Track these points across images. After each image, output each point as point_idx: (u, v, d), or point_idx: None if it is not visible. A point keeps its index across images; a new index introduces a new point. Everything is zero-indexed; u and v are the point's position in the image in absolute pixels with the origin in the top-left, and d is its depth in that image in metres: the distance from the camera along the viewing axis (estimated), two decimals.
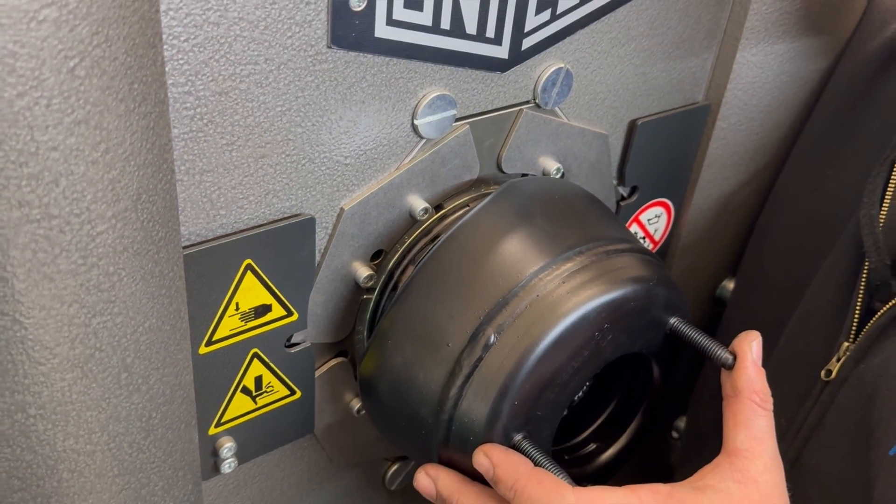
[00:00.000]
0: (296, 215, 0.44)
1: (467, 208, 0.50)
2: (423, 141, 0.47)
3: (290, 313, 0.46)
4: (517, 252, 0.45)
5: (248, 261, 0.43)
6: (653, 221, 0.64)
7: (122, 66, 0.31)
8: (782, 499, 0.42)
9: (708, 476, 0.42)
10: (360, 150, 0.45)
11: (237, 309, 0.44)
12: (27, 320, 0.33)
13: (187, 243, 0.41)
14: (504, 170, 0.52)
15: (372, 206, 0.47)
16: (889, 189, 0.51)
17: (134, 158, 0.34)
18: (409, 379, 0.45)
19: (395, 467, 0.61)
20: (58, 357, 0.35)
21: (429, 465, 0.46)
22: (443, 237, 0.47)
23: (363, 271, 0.48)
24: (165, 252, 0.37)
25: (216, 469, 0.49)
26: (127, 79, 0.32)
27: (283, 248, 0.44)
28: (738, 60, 0.58)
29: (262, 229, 0.43)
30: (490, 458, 0.43)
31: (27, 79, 0.29)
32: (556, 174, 0.54)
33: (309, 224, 0.44)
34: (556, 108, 0.53)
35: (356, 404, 0.53)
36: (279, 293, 0.45)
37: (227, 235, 0.42)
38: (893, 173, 0.51)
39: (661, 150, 0.60)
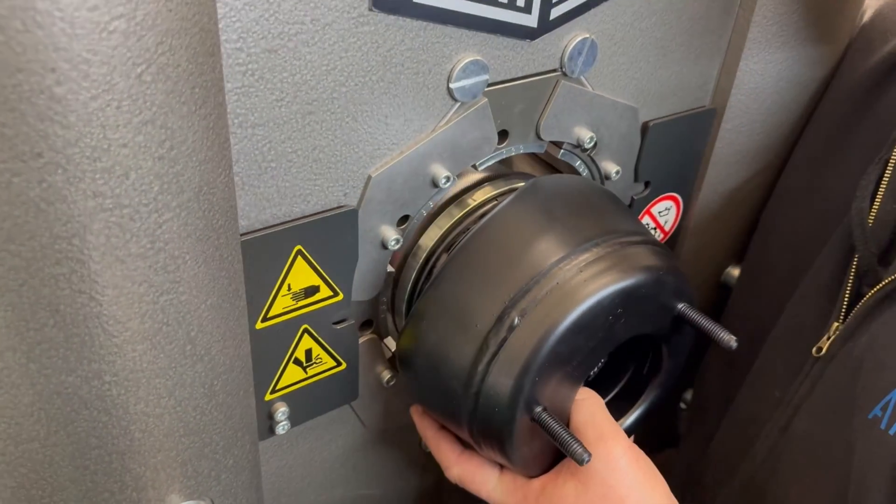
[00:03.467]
0: (340, 207, 0.43)
1: (496, 202, 0.49)
2: (458, 105, 0.46)
3: (335, 294, 0.46)
4: (540, 243, 0.45)
5: (299, 247, 0.43)
6: (663, 214, 0.62)
7: (185, 73, 0.31)
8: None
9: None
10: (399, 110, 0.44)
11: (289, 289, 0.44)
12: (102, 297, 0.33)
13: (244, 231, 0.41)
14: (542, 137, 0.51)
15: (397, 173, 0.45)
16: (881, 186, 0.49)
17: (196, 155, 0.33)
18: (442, 355, 0.45)
19: None
20: (129, 331, 0.35)
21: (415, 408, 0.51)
22: (474, 229, 0.46)
23: (390, 234, 0.46)
24: (225, 238, 0.37)
25: (271, 431, 0.49)
26: (189, 84, 0.31)
27: (329, 235, 0.43)
28: (742, 68, 0.56)
29: (310, 219, 0.42)
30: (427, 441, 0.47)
31: (100, 83, 0.28)
32: (590, 143, 0.52)
33: (351, 215, 0.44)
34: (582, 77, 0.51)
35: (385, 375, 0.53)
36: (326, 276, 0.45)
37: (280, 224, 0.42)
38: (886, 172, 0.49)
39: (671, 150, 0.58)
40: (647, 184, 0.59)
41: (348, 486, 0.58)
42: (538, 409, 0.44)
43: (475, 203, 0.50)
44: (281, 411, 0.48)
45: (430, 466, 0.63)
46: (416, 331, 0.46)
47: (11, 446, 0.36)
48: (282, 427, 0.49)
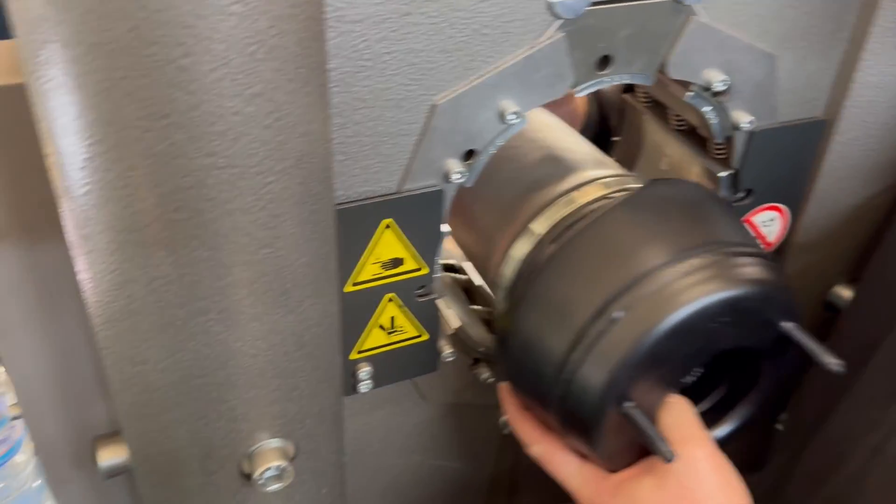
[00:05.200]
0: (429, 185, 0.47)
1: (607, 200, 0.51)
2: (559, 22, 0.45)
3: (420, 267, 0.50)
4: (650, 243, 0.46)
5: (388, 220, 0.47)
6: (766, 224, 0.61)
7: (292, 54, 0.36)
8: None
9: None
10: (497, 20, 0.43)
11: (377, 259, 0.48)
12: (212, 243, 0.39)
13: (341, 201, 0.46)
14: (670, 75, 0.50)
15: (464, 103, 0.45)
16: None
17: (298, 127, 0.38)
18: (538, 339, 0.47)
19: None
20: (232, 276, 0.40)
21: (503, 386, 0.53)
22: (584, 222, 0.48)
23: (454, 166, 0.47)
24: (320, 204, 0.42)
25: (355, 389, 0.54)
26: (295, 64, 0.36)
27: (416, 211, 0.47)
28: (857, 79, 0.55)
29: (400, 195, 0.46)
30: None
31: (219, 58, 0.34)
32: (722, 87, 0.51)
33: (437, 194, 0.47)
34: (696, 7, 0.48)
35: (447, 349, 0.56)
36: (411, 249, 0.49)
37: (373, 198, 0.46)
38: None
39: (777, 159, 0.58)
40: (749, 192, 0.59)
41: (426, 454, 0.62)
42: (628, 404, 0.45)
43: (586, 200, 0.52)
44: (364, 371, 0.53)
45: (505, 448, 0.66)
46: (516, 313, 0.48)
47: (129, 366, 0.42)
48: (365, 385, 0.53)
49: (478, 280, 0.69)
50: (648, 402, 0.46)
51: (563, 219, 0.52)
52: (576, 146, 0.60)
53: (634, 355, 0.43)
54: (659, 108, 0.64)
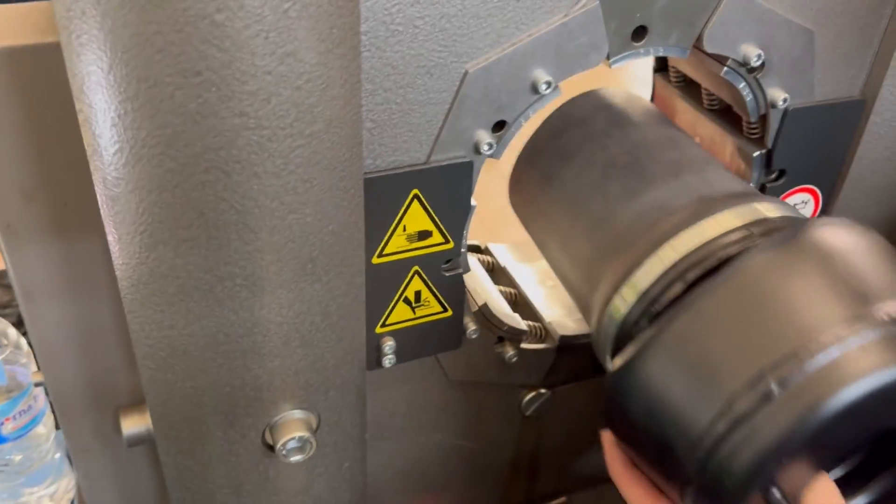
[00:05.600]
0: (458, 156, 0.46)
1: (746, 236, 0.44)
2: None
3: (447, 241, 0.49)
4: (816, 304, 0.39)
5: (416, 191, 0.46)
6: (799, 206, 0.60)
7: (325, 13, 0.35)
8: None
9: None
10: None
11: (404, 230, 0.48)
12: (240, 207, 0.38)
13: (369, 170, 0.45)
14: (706, 48, 0.48)
15: (496, 72, 0.44)
16: None
17: (329, 90, 0.38)
18: (670, 400, 0.41)
19: (530, 395, 0.62)
20: (260, 241, 0.40)
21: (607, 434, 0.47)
22: (730, 268, 0.41)
23: (484, 137, 0.46)
24: (349, 172, 0.41)
25: (379, 363, 0.53)
26: (328, 24, 0.36)
27: (445, 183, 0.47)
28: (895, 58, 0.53)
29: (428, 165, 0.46)
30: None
31: (252, 15, 0.33)
32: (757, 62, 0.49)
33: (467, 166, 0.47)
34: None
35: (471, 326, 0.55)
36: (439, 222, 0.48)
37: (401, 168, 0.46)
38: None
39: (812, 139, 0.57)
40: (782, 172, 0.58)
41: (447, 434, 0.62)
42: (775, 490, 0.39)
43: (718, 232, 0.44)
44: (388, 345, 0.52)
45: (527, 431, 0.65)
46: (640, 361, 0.42)
47: (156, 331, 0.42)
48: (388, 360, 0.53)
49: (503, 261, 0.69)
50: (794, 484, 0.40)
51: (694, 252, 0.44)
52: (693, 152, 0.53)
53: (792, 439, 0.37)
54: (691, 88, 0.63)
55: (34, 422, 0.61)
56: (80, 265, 0.47)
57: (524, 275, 0.68)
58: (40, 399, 0.62)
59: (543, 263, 0.70)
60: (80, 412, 0.53)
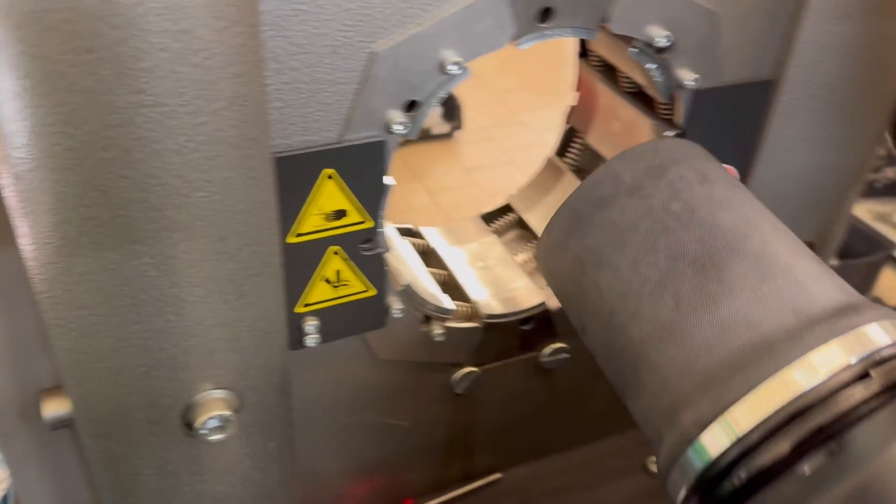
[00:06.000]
0: (370, 136, 0.47)
1: (869, 389, 0.37)
2: None
3: (364, 220, 0.50)
4: None
5: (329, 171, 0.47)
6: None
7: None
8: None
9: None
10: None
11: (320, 210, 0.48)
12: (143, 184, 0.39)
13: (280, 150, 0.46)
14: (613, 30, 0.49)
15: (403, 53, 0.45)
16: None
17: (229, 68, 0.38)
18: None
19: (460, 373, 0.63)
20: (166, 219, 0.40)
21: None
22: (862, 467, 0.35)
23: (396, 117, 0.47)
24: (256, 150, 0.42)
25: (302, 343, 0.54)
26: (223, 1, 0.36)
27: (358, 162, 0.47)
28: (800, 38, 0.55)
29: (341, 144, 0.46)
30: None
31: None
32: (665, 43, 0.51)
33: (379, 145, 0.47)
34: None
35: (396, 305, 0.56)
36: (354, 201, 0.49)
37: (313, 147, 0.46)
38: None
39: (723, 118, 0.58)
40: None
41: (378, 413, 0.63)
42: None
43: (826, 374, 0.37)
44: (311, 325, 0.53)
45: (460, 408, 0.66)
46: None
47: (66, 311, 0.42)
48: (311, 339, 0.53)
49: (434, 244, 0.70)
50: None
51: (798, 398, 0.37)
52: (777, 239, 0.44)
53: None
54: (610, 72, 0.64)
55: None
56: None
57: (455, 257, 0.69)
58: None
59: (474, 246, 0.72)
60: (3, 397, 0.53)
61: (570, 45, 0.66)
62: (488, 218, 0.74)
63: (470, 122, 3.29)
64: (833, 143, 0.62)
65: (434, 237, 0.70)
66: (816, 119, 0.60)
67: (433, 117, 3.20)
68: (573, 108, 0.71)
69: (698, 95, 0.56)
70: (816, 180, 0.64)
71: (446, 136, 3.25)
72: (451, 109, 3.22)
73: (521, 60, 3.81)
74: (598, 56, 0.65)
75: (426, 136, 3.17)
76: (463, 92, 3.27)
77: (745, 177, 0.62)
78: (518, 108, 3.49)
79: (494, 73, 3.76)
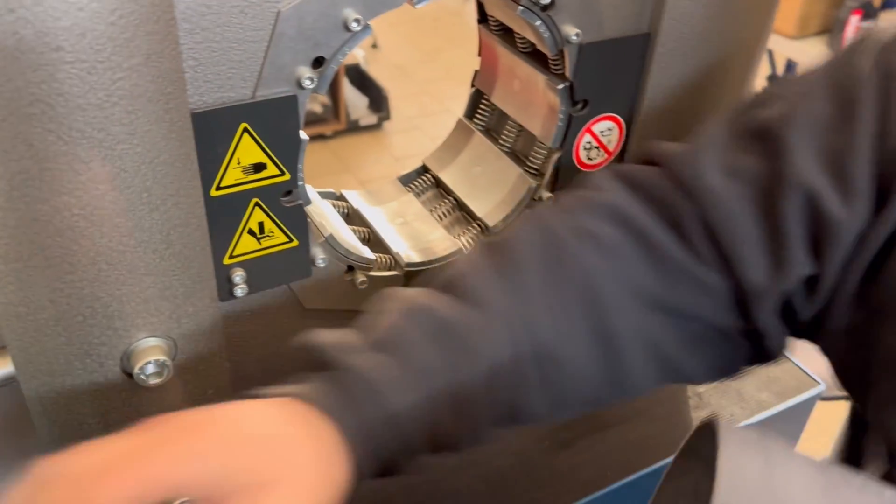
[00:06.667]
0: (282, 91, 0.51)
1: None
2: None
3: (282, 173, 0.54)
4: None
5: (245, 125, 0.51)
6: (605, 134, 0.68)
7: None
8: None
9: None
10: None
11: (238, 164, 0.52)
12: (67, 138, 0.42)
13: (197, 106, 0.49)
14: None
15: (307, 11, 0.48)
16: None
17: (143, 26, 0.42)
18: None
19: None
20: (92, 171, 0.43)
21: None
22: None
23: (305, 73, 0.51)
24: (174, 104, 0.45)
25: (231, 293, 0.57)
26: None
27: (272, 117, 0.51)
28: None
29: (255, 100, 0.50)
30: None
31: None
32: (547, 0, 0.55)
33: (292, 100, 0.51)
34: None
35: (319, 255, 0.60)
36: (272, 154, 0.53)
37: (227, 103, 0.50)
38: None
39: (607, 71, 0.64)
40: (585, 102, 0.65)
41: None
42: None
43: None
44: (238, 275, 0.56)
45: None
46: None
47: (2, 265, 0.45)
48: (240, 290, 0.57)
49: (356, 205, 0.74)
50: None
51: None
52: None
53: None
54: (508, 35, 0.69)
55: None
56: None
57: (375, 215, 0.73)
58: None
59: (394, 205, 0.76)
60: None
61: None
62: (405, 180, 0.78)
63: (397, 113, 3.34)
64: (706, 86, 0.69)
65: (355, 199, 0.74)
66: (690, 66, 0.66)
67: (361, 109, 3.25)
68: (477, 72, 0.76)
69: (582, 49, 0.61)
70: (694, 123, 0.71)
71: (375, 127, 3.29)
72: (379, 101, 3.27)
73: (444, 51, 3.87)
74: (496, 20, 0.70)
75: (355, 127, 3.21)
76: (389, 83, 3.32)
77: (631, 123, 0.68)
78: (443, 98, 3.55)
79: (419, 65, 3.81)
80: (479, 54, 0.75)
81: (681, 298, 0.49)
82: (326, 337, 0.47)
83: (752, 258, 0.47)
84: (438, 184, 0.78)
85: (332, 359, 0.46)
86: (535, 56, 0.67)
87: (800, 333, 0.51)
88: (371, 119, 3.26)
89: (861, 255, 0.46)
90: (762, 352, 0.51)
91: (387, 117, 3.30)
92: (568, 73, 0.63)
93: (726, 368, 0.53)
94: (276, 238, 0.57)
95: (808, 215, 0.46)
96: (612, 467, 0.76)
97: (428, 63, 3.81)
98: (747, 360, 0.53)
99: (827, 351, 0.51)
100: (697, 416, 0.81)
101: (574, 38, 0.60)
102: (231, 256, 0.56)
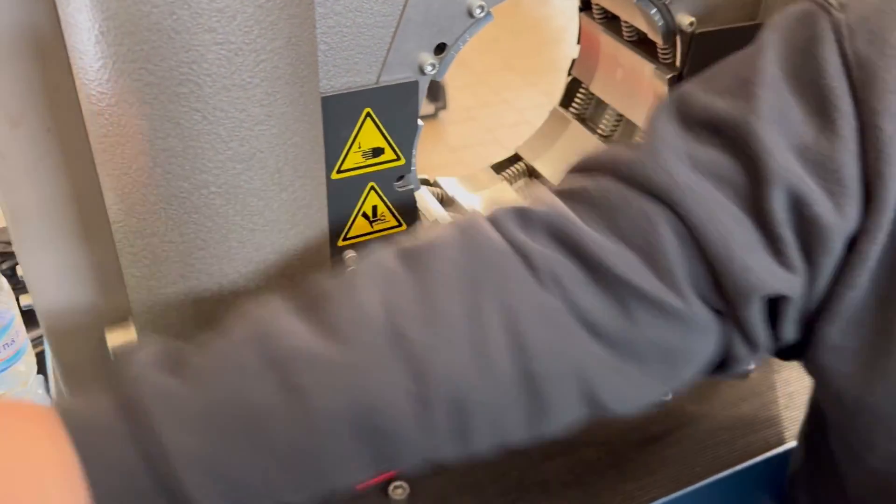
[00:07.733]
0: (404, 77, 0.52)
1: None
2: None
3: (398, 157, 0.55)
4: None
5: (368, 109, 0.51)
6: None
7: None
8: None
9: None
10: None
11: (360, 147, 0.53)
12: (212, 117, 0.43)
13: (325, 91, 0.50)
14: None
15: None
16: None
17: (287, 10, 0.42)
18: None
19: None
20: (231, 150, 0.45)
21: None
22: None
23: (427, 59, 0.52)
24: (308, 87, 0.46)
25: None
26: None
27: (393, 102, 0.52)
28: None
29: (378, 85, 0.51)
30: None
31: None
32: None
33: (413, 86, 0.52)
34: None
35: None
36: (390, 139, 0.53)
37: (353, 88, 0.51)
38: None
39: (718, 59, 0.63)
40: None
41: None
42: None
43: None
44: (351, 257, 0.57)
45: None
46: None
47: (139, 239, 0.46)
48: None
49: (452, 192, 0.74)
50: None
51: None
52: None
53: None
54: (612, 22, 0.69)
55: (16, 357, 0.64)
56: (66, 190, 0.51)
57: (472, 203, 0.73)
58: (21, 335, 0.65)
59: (488, 192, 0.76)
60: (68, 331, 0.57)
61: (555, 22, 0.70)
62: (498, 168, 0.78)
63: (454, 103, 3.34)
64: None
65: (451, 186, 0.74)
66: None
67: None
68: (575, 61, 0.75)
69: (694, 38, 0.61)
70: None
71: (431, 117, 3.30)
72: (435, 90, 3.28)
73: (502, 42, 3.86)
74: (600, 8, 0.69)
75: None
76: (447, 73, 3.33)
77: None
78: (501, 88, 3.54)
79: (477, 55, 3.81)
80: (578, 42, 0.74)
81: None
82: (150, 348, 0.41)
83: (751, 259, 0.42)
84: (531, 173, 0.78)
85: (127, 373, 0.38)
86: (641, 44, 0.66)
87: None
88: (428, 109, 3.26)
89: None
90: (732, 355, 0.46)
91: (443, 107, 3.30)
92: (677, 62, 0.62)
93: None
94: (388, 222, 0.58)
95: (796, 214, 0.42)
96: (702, 463, 0.75)
97: (486, 53, 3.80)
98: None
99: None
100: (788, 416, 0.80)
101: (688, 27, 0.59)
102: (345, 238, 0.57)
